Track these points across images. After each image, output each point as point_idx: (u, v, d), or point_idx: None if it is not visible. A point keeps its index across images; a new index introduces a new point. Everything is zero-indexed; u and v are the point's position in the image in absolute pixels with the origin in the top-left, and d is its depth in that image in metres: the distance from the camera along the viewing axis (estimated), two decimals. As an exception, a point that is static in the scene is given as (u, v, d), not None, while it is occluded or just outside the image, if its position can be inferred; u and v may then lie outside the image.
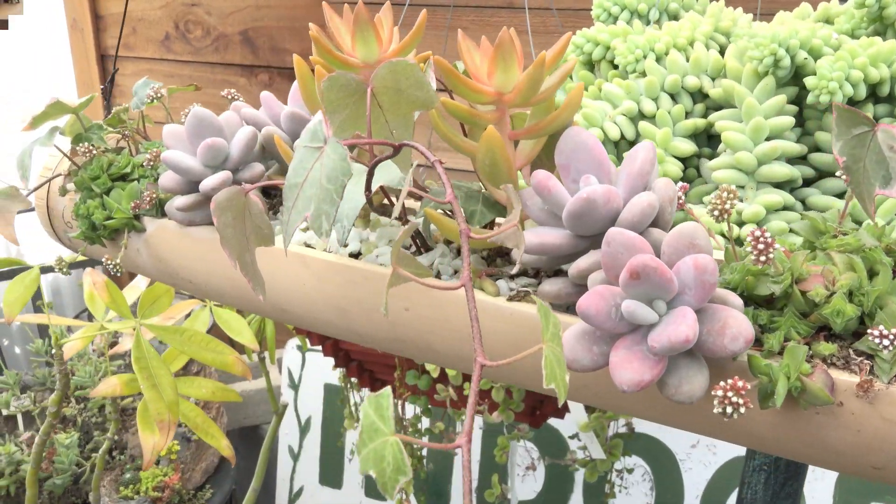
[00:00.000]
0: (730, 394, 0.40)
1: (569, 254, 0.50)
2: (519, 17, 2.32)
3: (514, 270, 0.41)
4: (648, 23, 0.93)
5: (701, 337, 0.43)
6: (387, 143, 0.46)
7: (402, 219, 0.61)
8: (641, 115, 0.76)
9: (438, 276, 0.58)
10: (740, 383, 0.40)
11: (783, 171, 0.68)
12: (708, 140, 0.77)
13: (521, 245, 0.42)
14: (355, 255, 0.64)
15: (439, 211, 0.58)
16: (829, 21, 0.87)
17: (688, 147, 0.73)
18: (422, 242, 0.61)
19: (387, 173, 0.51)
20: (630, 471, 1.84)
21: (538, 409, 1.61)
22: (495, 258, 0.59)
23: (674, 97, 0.76)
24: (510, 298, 0.52)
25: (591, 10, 1.97)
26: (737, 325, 0.42)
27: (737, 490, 2.19)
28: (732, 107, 0.73)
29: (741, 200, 0.69)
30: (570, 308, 0.52)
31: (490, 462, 2.13)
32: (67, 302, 3.00)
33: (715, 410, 0.40)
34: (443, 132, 0.54)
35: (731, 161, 0.69)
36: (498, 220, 0.60)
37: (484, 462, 2.16)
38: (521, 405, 1.53)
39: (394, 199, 0.59)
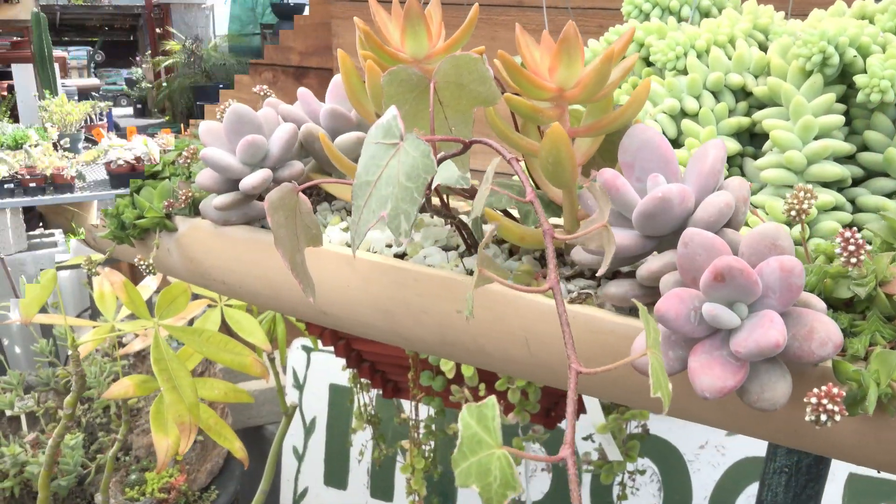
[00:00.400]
0: (824, 401, 0.38)
1: (635, 255, 0.49)
2: (527, 16, 2.31)
3: (602, 272, 0.40)
4: (680, 20, 0.92)
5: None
6: (459, 140, 0.44)
7: (449, 218, 0.59)
8: (683, 114, 0.75)
9: (491, 277, 0.57)
10: (835, 390, 0.38)
11: (834, 170, 0.67)
12: (750, 139, 0.76)
13: (611, 246, 0.40)
14: (400, 256, 0.62)
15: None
16: (864, 18, 0.85)
17: (733, 146, 0.72)
18: (472, 242, 0.59)
19: (445, 172, 0.49)
20: (642, 472, 1.83)
21: (553, 410, 1.60)
22: (550, 259, 0.58)
23: (716, 95, 0.75)
24: (572, 301, 0.51)
25: (600, 9, 1.96)
26: (825, 329, 0.40)
27: (744, 492, 2.18)
28: (777, 105, 0.72)
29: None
30: (632, 311, 0.51)
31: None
32: (68, 301, 2.97)
33: (807, 418, 0.39)
34: (500, 129, 0.52)
35: (779, 160, 0.67)
36: (552, 220, 0.59)
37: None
38: (536, 406, 1.51)
39: (446, 199, 0.58)
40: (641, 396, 0.50)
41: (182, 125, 6.47)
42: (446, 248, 0.62)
